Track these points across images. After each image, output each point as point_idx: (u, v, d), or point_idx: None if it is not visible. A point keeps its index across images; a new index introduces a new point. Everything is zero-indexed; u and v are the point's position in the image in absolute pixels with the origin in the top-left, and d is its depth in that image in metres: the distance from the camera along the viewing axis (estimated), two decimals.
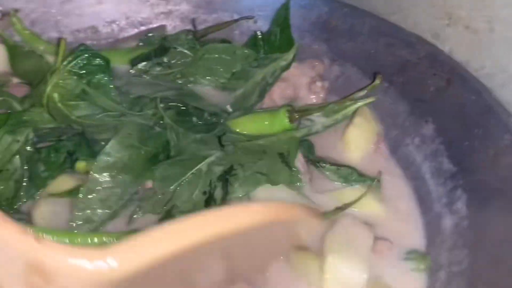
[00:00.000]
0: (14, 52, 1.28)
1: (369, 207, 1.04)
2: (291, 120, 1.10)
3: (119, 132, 1.01)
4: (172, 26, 1.44)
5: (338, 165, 1.09)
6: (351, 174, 1.08)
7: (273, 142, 1.05)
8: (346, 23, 1.31)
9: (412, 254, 0.99)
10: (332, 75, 1.31)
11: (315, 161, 1.09)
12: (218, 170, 1.00)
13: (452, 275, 0.92)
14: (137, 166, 1.00)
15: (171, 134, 1.04)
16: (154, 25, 1.43)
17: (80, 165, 1.03)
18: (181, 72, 1.21)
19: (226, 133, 1.06)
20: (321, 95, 1.23)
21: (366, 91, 1.15)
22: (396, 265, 0.97)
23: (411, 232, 1.02)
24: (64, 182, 1.01)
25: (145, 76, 1.22)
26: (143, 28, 1.44)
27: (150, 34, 1.37)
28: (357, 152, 1.15)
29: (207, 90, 1.21)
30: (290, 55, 1.20)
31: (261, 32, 1.30)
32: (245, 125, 1.11)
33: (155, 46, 1.25)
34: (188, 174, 0.99)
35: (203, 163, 1.00)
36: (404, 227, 1.02)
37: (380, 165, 1.13)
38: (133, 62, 1.23)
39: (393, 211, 1.05)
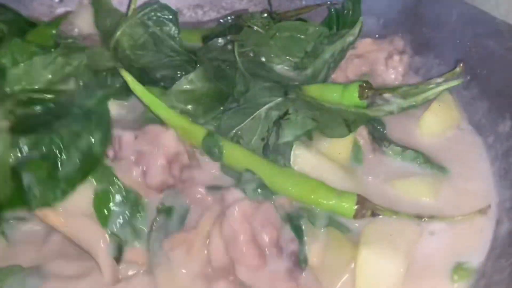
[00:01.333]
0: (99, 7, 1.30)
1: (429, 196, 0.97)
2: (362, 96, 1.03)
3: (199, 66, 1.06)
4: (254, 11, 1.43)
5: (404, 146, 1.02)
6: (417, 158, 1.01)
7: (341, 110, 1.00)
8: (433, 11, 1.24)
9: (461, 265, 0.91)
10: (414, 66, 1.25)
11: (380, 139, 1.02)
12: (275, 115, 0.97)
13: (491, 283, 0.86)
14: (209, 100, 1.03)
15: (240, 78, 1.05)
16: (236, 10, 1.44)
17: None
18: (254, 51, 1.19)
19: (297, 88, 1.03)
20: (400, 69, 1.17)
21: (444, 78, 1.07)
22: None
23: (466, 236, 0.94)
24: None
25: None
26: (227, 12, 1.45)
27: (231, 17, 1.37)
28: (430, 138, 1.08)
29: (279, 69, 1.18)
30: (355, 30, 1.15)
31: (336, 9, 1.26)
32: (314, 93, 1.05)
33: (230, 23, 1.25)
34: (248, 120, 0.98)
35: (262, 108, 0.98)
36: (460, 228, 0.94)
37: (452, 156, 1.05)
38: (205, 39, 1.23)
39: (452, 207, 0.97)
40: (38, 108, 0.98)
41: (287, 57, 1.17)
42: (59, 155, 0.92)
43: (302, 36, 1.16)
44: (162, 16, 1.15)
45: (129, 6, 1.21)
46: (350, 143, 1.01)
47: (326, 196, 0.91)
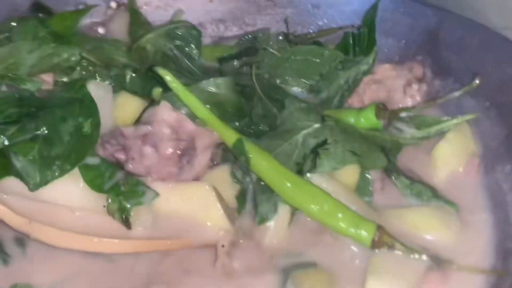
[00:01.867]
0: (135, 18, 1.32)
1: (439, 231, 0.95)
2: (379, 115, 1.02)
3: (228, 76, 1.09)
4: (277, 28, 1.42)
5: (413, 179, 1.00)
6: (424, 191, 0.99)
7: (376, 136, 1.00)
8: (455, 35, 1.21)
9: None
10: (433, 89, 1.22)
11: (389, 169, 1.01)
12: (313, 142, 0.98)
13: None
14: (228, 109, 1.05)
15: (258, 101, 1.07)
16: (258, 27, 1.44)
17: (157, 91, 1.04)
18: (269, 73, 1.19)
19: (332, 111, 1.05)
20: (418, 98, 1.15)
21: (460, 92, 1.06)
22: None
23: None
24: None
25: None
26: (248, 28, 1.45)
27: (252, 36, 1.37)
28: (443, 171, 1.06)
29: (293, 91, 1.18)
30: (370, 59, 1.14)
31: (352, 33, 1.24)
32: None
33: (246, 46, 1.25)
34: (285, 144, 0.99)
35: (300, 134, 0.99)
36: (473, 260, 0.92)
37: (466, 189, 1.03)
38: (221, 60, 1.24)
39: (465, 241, 0.95)
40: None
41: (302, 80, 1.17)
42: (48, 137, 0.94)
43: (317, 60, 1.16)
44: (188, 34, 1.18)
45: None
46: (358, 170, 1.00)
47: (348, 220, 0.90)
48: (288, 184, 0.94)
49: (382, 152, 0.98)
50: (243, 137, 0.99)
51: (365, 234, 0.89)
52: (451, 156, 1.06)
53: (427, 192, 0.99)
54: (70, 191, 0.95)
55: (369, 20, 1.23)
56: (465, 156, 1.07)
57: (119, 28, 1.35)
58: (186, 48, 1.18)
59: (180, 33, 1.20)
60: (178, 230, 0.96)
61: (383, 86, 1.17)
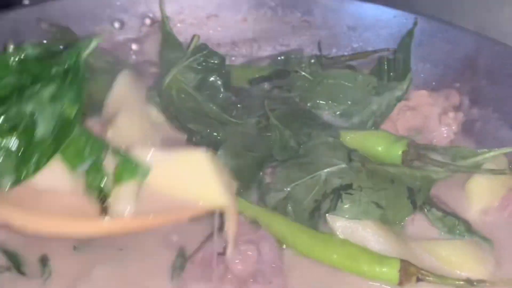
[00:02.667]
0: (167, 40, 1.30)
1: (473, 267, 0.91)
2: (404, 160, 1.00)
3: (225, 143, 1.03)
4: (310, 48, 1.40)
5: (446, 212, 0.96)
6: (458, 225, 0.95)
7: (405, 175, 0.96)
8: (495, 63, 1.17)
9: None
10: (470, 118, 1.18)
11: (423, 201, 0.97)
12: (336, 182, 0.94)
13: None
14: (245, 172, 1.00)
15: (276, 135, 1.04)
16: (291, 47, 1.42)
17: None
18: (300, 96, 1.17)
19: (358, 150, 1.00)
20: (453, 127, 1.12)
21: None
22: None
23: None
24: None
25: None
26: (282, 48, 1.43)
27: (285, 56, 1.35)
28: (478, 205, 1.01)
29: (325, 115, 1.15)
30: (404, 85, 1.10)
31: (388, 58, 1.21)
32: (355, 139, 1.04)
33: (277, 68, 1.23)
34: (307, 178, 0.95)
35: (324, 170, 0.95)
36: None
37: (501, 225, 0.98)
38: (252, 82, 1.22)
39: (499, 278, 0.89)
40: None
41: (334, 104, 1.15)
42: (31, 124, 0.81)
43: (350, 84, 1.13)
44: (210, 62, 1.14)
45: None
46: None
47: (368, 262, 0.88)
48: (304, 239, 0.92)
49: (410, 199, 0.94)
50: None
51: (390, 272, 0.87)
52: (487, 190, 1.02)
53: (460, 226, 0.95)
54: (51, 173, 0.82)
55: (405, 45, 1.20)
56: (501, 190, 1.02)
57: (153, 46, 1.35)
58: (210, 78, 1.14)
59: (204, 64, 1.15)
60: (167, 205, 0.84)
61: (418, 113, 1.13)
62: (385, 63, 1.19)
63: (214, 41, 1.44)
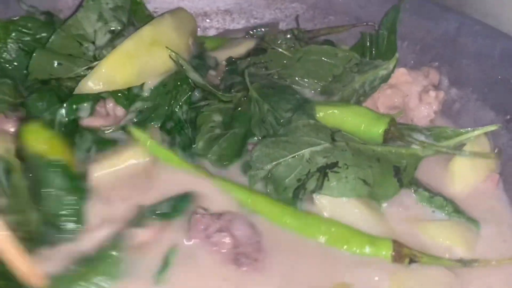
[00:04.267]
0: (135, 9, 1.20)
1: (459, 248, 0.90)
2: (386, 138, 0.98)
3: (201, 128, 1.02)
4: (286, 23, 1.36)
5: (433, 192, 0.95)
6: (445, 206, 0.94)
7: (391, 153, 0.94)
8: (475, 43, 1.15)
9: None
10: (449, 98, 1.17)
11: (408, 182, 0.95)
12: (321, 161, 0.91)
13: None
14: (230, 150, 1.00)
15: (255, 108, 1.01)
16: (266, 20, 1.37)
17: None
18: (278, 73, 1.14)
19: (341, 131, 0.97)
20: (434, 107, 1.09)
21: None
22: None
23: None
24: None
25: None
26: (255, 21, 1.38)
27: (260, 30, 1.30)
28: (462, 186, 1.00)
29: (305, 92, 1.11)
30: (390, 65, 1.08)
31: (370, 34, 1.18)
32: (334, 116, 1.01)
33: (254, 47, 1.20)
34: (289, 156, 0.92)
35: (307, 149, 0.92)
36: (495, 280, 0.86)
37: (487, 204, 0.98)
38: (228, 60, 1.18)
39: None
40: None
41: (314, 81, 1.11)
42: None
43: (330, 61, 1.10)
44: None
45: None
46: None
47: (361, 244, 0.87)
48: (293, 221, 0.90)
49: (396, 177, 0.92)
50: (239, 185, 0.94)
51: (383, 253, 0.86)
52: (470, 170, 1.01)
53: (448, 207, 0.94)
54: None
55: (390, 22, 1.16)
56: (483, 171, 1.01)
57: None
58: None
59: None
60: None
61: (398, 92, 1.11)
62: (368, 39, 1.16)
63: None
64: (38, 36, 1.12)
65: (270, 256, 0.86)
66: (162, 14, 1.11)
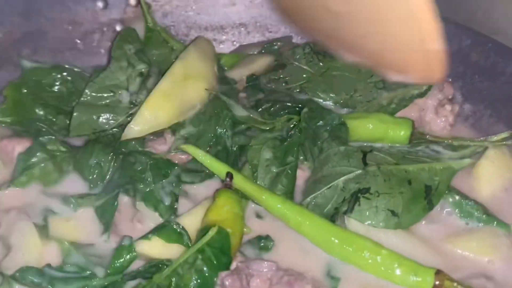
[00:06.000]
0: (150, 36, 1.26)
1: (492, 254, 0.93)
2: (411, 139, 1.03)
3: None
4: (300, 36, 1.39)
5: (464, 196, 0.98)
6: (477, 209, 0.97)
7: (423, 171, 0.96)
8: (488, 60, 1.19)
9: None
10: (463, 113, 1.21)
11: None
12: (354, 187, 0.94)
13: None
14: (291, 186, 1.01)
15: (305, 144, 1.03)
16: (281, 34, 1.40)
17: None
18: (300, 87, 1.17)
19: (373, 151, 0.99)
20: (450, 120, 1.14)
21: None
22: None
23: None
24: None
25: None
26: (269, 34, 1.42)
27: (275, 44, 1.33)
28: (488, 189, 1.03)
29: (326, 105, 1.15)
30: (423, 86, 1.12)
31: None
32: (361, 126, 1.05)
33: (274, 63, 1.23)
34: (324, 189, 0.95)
35: (340, 179, 0.95)
36: None
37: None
38: (249, 77, 1.21)
39: None
40: None
41: (335, 94, 1.15)
42: None
43: (353, 76, 1.14)
44: None
45: None
46: None
47: (403, 271, 0.86)
48: (336, 240, 0.90)
49: (427, 199, 0.94)
50: (281, 199, 0.95)
51: (425, 282, 0.85)
52: (494, 174, 1.04)
53: (480, 209, 0.97)
54: None
55: None
56: (507, 173, 1.04)
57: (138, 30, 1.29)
58: None
59: None
60: None
61: (414, 105, 1.15)
62: None
63: (202, 24, 1.41)
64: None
65: None
66: (186, 48, 1.16)
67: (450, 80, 1.23)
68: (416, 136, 1.06)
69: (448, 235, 0.96)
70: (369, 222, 0.91)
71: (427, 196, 0.94)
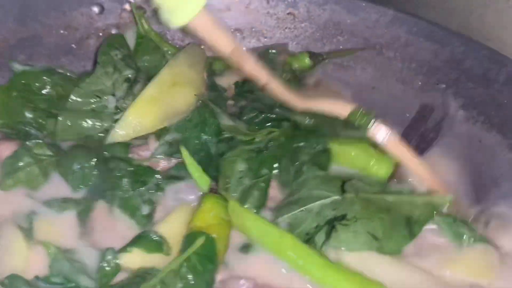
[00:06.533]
0: (141, 42, 1.27)
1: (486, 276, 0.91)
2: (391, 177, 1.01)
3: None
4: (295, 42, 1.39)
5: (454, 216, 0.95)
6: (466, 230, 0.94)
7: (404, 203, 0.92)
8: (481, 67, 1.18)
9: None
10: (457, 120, 1.20)
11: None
12: (330, 214, 0.91)
13: None
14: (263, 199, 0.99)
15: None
16: (276, 40, 1.40)
17: None
18: None
19: (353, 180, 0.95)
20: None
21: None
22: None
23: None
24: None
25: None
26: (265, 40, 1.42)
27: (270, 51, 1.33)
28: None
29: None
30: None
31: None
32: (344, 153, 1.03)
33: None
34: (297, 211, 0.92)
35: (316, 203, 0.92)
36: None
37: None
38: (235, 84, 1.21)
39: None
40: None
41: None
42: None
43: None
44: None
45: None
46: None
47: None
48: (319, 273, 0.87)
49: (407, 228, 0.89)
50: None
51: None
52: None
53: (470, 231, 0.94)
54: None
55: None
56: None
57: (132, 37, 1.30)
58: None
59: None
60: None
61: None
62: None
63: None
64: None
65: None
66: (176, 54, 1.16)
67: (444, 86, 1.23)
68: (397, 176, 1.04)
69: (442, 260, 0.93)
70: (349, 247, 0.88)
71: (407, 225, 0.90)
